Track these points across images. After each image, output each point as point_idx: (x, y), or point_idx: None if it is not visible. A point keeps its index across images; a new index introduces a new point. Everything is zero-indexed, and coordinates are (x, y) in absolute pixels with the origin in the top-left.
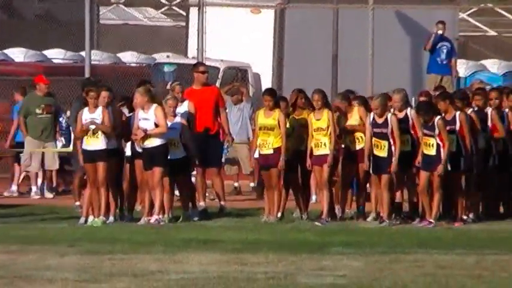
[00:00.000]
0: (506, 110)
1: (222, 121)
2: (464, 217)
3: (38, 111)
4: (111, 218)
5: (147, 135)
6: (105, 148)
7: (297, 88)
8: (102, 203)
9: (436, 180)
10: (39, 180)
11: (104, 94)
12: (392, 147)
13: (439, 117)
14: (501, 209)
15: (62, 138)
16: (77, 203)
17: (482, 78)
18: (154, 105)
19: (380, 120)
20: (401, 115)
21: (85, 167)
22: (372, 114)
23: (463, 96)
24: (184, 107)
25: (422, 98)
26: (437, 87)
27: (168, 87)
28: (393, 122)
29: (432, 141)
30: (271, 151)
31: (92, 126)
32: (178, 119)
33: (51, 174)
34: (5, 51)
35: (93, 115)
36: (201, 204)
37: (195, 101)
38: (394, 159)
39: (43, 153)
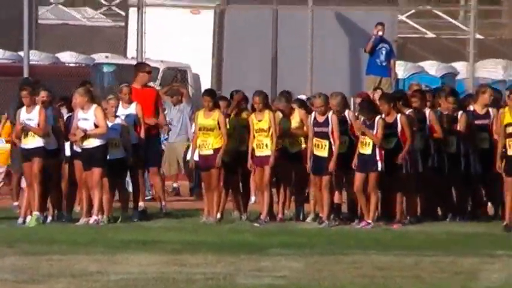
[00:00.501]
0: (445, 112)
1: (160, 118)
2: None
3: None
4: (50, 218)
5: (86, 136)
6: (42, 146)
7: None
8: (36, 198)
9: (372, 181)
10: None
11: (43, 94)
12: (333, 147)
13: (379, 116)
14: (438, 211)
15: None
16: (15, 203)
17: (420, 80)
18: (94, 105)
19: (321, 119)
20: (340, 116)
21: (23, 166)
22: (313, 114)
23: (401, 95)
24: (131, 109)
25: (359, 100)
26: (376, 89)
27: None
28: (334, 121)
29: (369, 140)
30: (211, 152)
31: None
32: (118, 120)
33: None
34: None
35: (29, 115)
36: (141, 204)
37: (135, 100)
38: (333, 159)
39: None
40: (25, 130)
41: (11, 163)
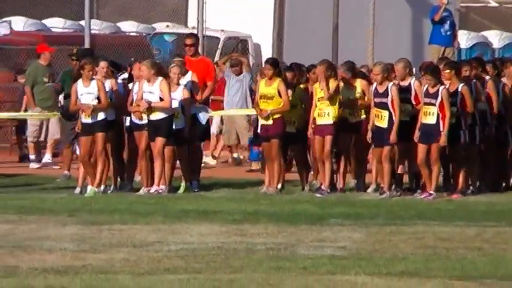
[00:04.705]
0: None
1: (205, 92)
2: (468, 189)
3: (45, 79)
4: (112, 188)
5: (150, 108)
6: (104, 118)
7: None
8: (98, 173)
9: (435, 152)
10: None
11: (103, 65)
12: (393, 117)
13: (443, 86)
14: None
15: None
16: (65, 172)
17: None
18: (160, 78)
19: (381, 90)
20: (404, 84)
21: (80, 139)
22: (374, 84)
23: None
24: (187, 78)
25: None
26: (442, 59)
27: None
28: (393, 91)
29: (433, 109)
30: (270, 121)
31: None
32: (181, 89)
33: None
34: (5, 19)
35: (87, 89)
36: None
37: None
38: (393, 130)
39: (47, 123)
40: (92, 109)
41: (61, 134)
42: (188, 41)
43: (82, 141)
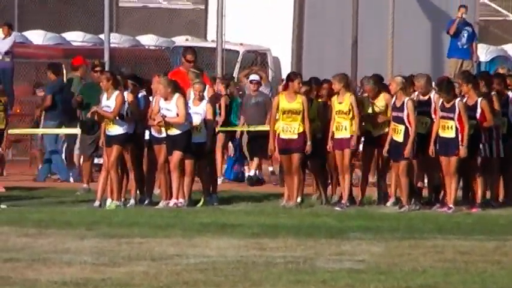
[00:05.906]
0: None
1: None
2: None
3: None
4: (132, 201)
5: (165, 122)
6: (123, 133)
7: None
8: (114, 186)
9: (453, 165)
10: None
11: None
12: (409, 132)
13: (459, 99)
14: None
15: None
16: (84, 185)
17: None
18: (177, 95)
19: (398, 104)
20: (424, 98)
21: (105, 151)
22: (393, 98)
23: (487, 78)
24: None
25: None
26: (462, 73)
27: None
28: (409, 106)
29: (451, 123)
30: (295, 136)
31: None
32: (204, 104)
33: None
34: (24, 33)
35: (108, 102)
36: None
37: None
38: (408, 145)
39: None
40: (99, 116)
41: (80, 147)
42: (189, 57)
43: (106, 152)
